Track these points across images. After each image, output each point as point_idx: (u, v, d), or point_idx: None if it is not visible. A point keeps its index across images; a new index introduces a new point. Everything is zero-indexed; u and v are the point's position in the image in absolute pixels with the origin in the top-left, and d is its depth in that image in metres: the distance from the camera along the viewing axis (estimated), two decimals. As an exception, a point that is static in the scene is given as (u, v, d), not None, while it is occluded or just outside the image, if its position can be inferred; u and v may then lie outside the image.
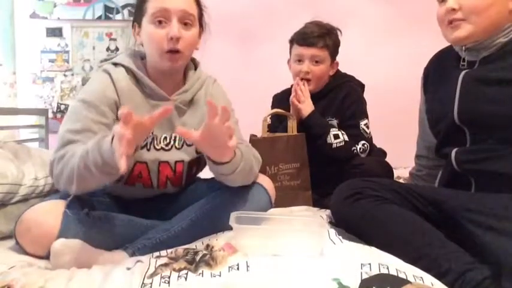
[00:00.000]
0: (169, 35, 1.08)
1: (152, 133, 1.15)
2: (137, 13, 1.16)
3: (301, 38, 1.67)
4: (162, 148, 1.17)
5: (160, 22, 1.09)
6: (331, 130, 1.59)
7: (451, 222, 1.02)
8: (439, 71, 1.26)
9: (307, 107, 1.62)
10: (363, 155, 1.59)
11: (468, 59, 1.15)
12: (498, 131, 1.06)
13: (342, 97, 1.66)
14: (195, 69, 1.25)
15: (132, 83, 1.14)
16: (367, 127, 1.65)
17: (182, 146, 1.19)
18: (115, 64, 1.16)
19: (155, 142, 1.16)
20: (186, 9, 1.10)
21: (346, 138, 1.58)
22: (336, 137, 1.58)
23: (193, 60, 1.26)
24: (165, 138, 1.17)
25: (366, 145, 1.60)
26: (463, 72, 1.14)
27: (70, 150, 0.98)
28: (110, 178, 0.95)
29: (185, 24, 1.11)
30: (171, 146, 1.18)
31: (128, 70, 1.15)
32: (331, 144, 1.57)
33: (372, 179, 1.15)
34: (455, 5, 1.10)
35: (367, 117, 1.67)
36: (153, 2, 1.10)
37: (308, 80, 1.67)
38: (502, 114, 1.04)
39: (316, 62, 1.66)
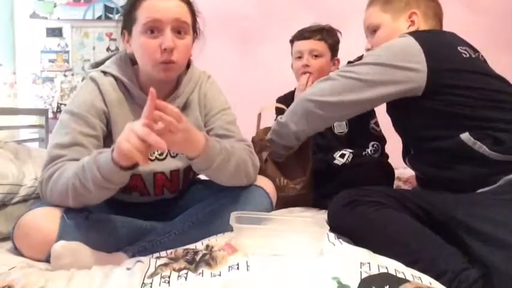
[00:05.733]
0: (163, 46, 1.03)
1: None
2: (126, 21, 1.10)
3: (299, 34, 1.71)
4: (156, 158, 1.14)
5: (152, 31, 1.04)
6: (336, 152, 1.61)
7: (441, 228, 1.03)
8: None
9: None
10: (376, 155, 1.60)
11: None
12: None
13: None
14: (188, 68, 1.19)
15: (121, 94, 1.11)
16: (377, 125, 1.66)
17: (177, 153, 1.16)
18: (104, 72, 1.12)
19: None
20: (180, 18, 1.05)
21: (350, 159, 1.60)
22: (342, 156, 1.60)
23: None
24: None
25: (375, 145, 1.61)
26: None
27: (58, 167, 0.99)
28: (109, 193, 0.97)
29: (179, 32, 1.06)
30: (166, 155, 1.15)
31: (118, 80, 1.11)
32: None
33: (367, 187, 1.17)
34: (368, 45, 1.36)
35: (375, 116, 1.68)
36: (143, 11, 1.04)
37: (310, 74, 1.67)
38: None
39: (316, 56, 1.67)
